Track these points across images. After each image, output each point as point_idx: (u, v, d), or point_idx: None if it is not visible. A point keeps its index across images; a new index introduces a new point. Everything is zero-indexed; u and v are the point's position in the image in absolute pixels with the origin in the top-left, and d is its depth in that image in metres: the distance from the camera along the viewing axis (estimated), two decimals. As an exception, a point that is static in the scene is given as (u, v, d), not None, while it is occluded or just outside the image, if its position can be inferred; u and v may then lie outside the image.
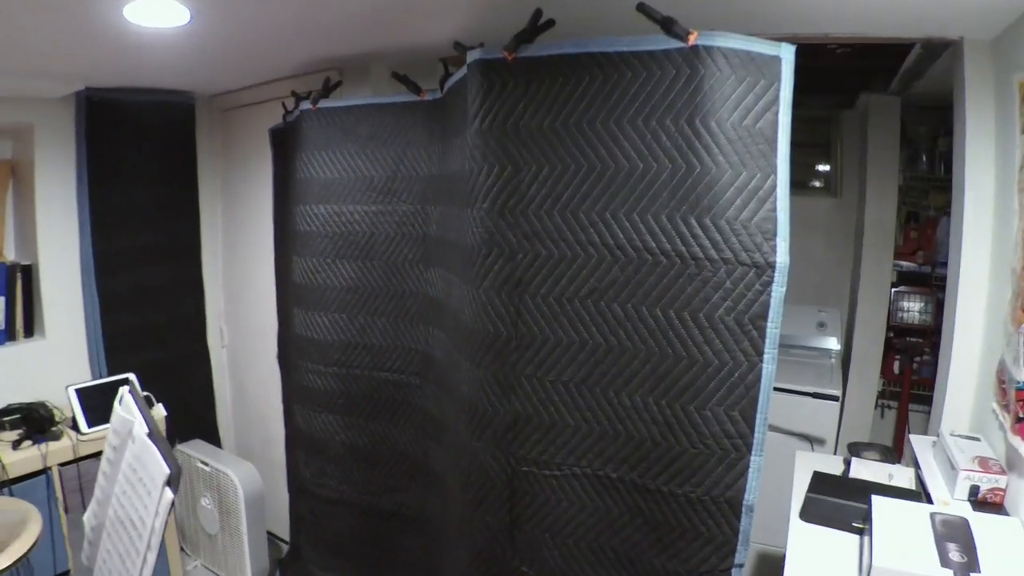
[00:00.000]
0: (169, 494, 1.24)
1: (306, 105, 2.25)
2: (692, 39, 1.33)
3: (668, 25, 1.35)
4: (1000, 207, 1.83)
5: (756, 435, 1.37)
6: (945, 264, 2.27)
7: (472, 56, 1.59)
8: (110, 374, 2.72)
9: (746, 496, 1.39)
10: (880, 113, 2.87)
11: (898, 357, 3.08)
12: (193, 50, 2.19)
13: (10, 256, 2.75)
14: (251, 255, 3.02)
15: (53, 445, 2.33)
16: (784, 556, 1.49)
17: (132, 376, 2.57)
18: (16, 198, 2.76)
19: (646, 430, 1.47)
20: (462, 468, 1.77)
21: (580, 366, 1.52)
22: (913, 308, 2.97)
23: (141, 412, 1.55)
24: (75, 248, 2.73)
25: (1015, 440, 1.51)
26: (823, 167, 3.38)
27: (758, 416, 1.36)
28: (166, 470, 1.27)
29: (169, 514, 1.28)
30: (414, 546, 2.28)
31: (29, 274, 2.71)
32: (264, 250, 2.77)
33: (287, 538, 2.85)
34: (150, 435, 1.43)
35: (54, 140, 2.67)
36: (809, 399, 2.54)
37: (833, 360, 2.95)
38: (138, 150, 2.87)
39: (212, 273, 3.25)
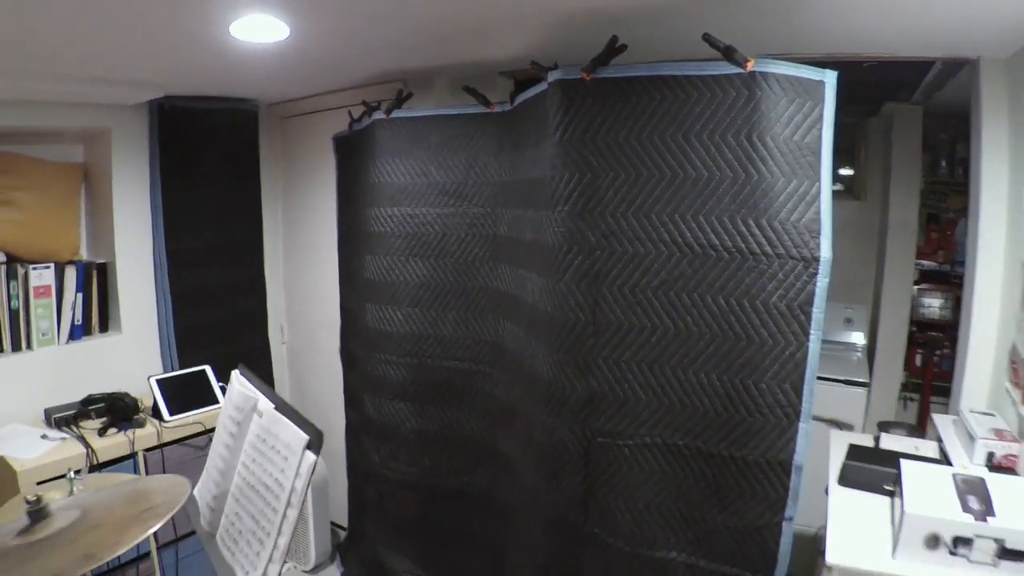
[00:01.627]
0: (311, 456, 1.56)
1: (379, 115, 2.58)
2: (749, 66, 1.67)
3: (729, 53, 1.68)
4: (1013, 208, 2.18)
5: (804, 404, 1.70)
6: (963, 262, 2.63)
7: (553, 76, 1.93)
8: (181, 367, 3.05)
9: (795, 457, 1.72)
10: (903, 121, 3.23)
11: (920, 350, 3.44)
12: (277, 62, 2.53)
13: (84, 255, 3.09)
14: (310, 255, 3.38)
15: (138, 432, 2.66)
16: (814, 535, 1.83)
17: (208, 368, 2.90)
18: (89, 200, 3.10)
19: (709, 403, 1.80)
20: (538, 444, 2.10)
21: (652, 348, 1.85)
22: (934, 304, 3.32)
23: (261, 390, 1.88)
24: (148, 248, 3.09)
25: (1026, 410, 1.86)
26: (846, 171, 3.73)
27: (805, 388, 1.69)
28: (304, 436, 1.59)
29: (311, 474, 1.60)
30: (478, 526, 2.60)
31: (104, 272, 3.05)
32: (323, 250, 3.12)
33: (344, 524, 3.19)
34: (278, 408, 1.75)
35: (129, 144, 3.02)
36: (839, 386, 2.89)
37: (860, 354, 3.30)
38: (205, 155, 3.23)
39: (273, 272, 3.61)
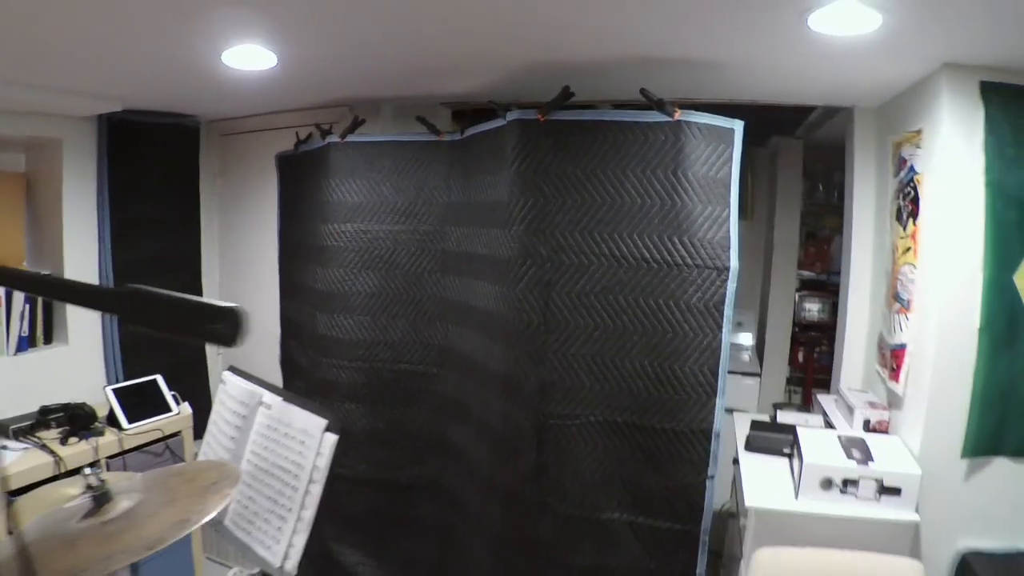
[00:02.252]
0: (332, 437, 1.90)
1: (333, 138, 2.92)
2: (677, 115, 2.15)
3: (661, 105, 2.16)
4: (878, 227, 2.80)
5: (720, 383, 2.17)
6: (838, 273, 3.25)
7: (512, 115, 2.35)
8: (127, 378, 3.26)
9: (714, 426, 2.19)
10: (787, 153, 3.86)
11: (802, 348, 4.08)
12: (253, 86, 2.82)
13: (25, 266, 3.25)
14: (247, 267, 3.65)
15: (101, 440, 2.87)
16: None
17: (159, 377, 3.13)
18: (31, 210, 3.26)
19: (643, 385, 2.25)
20: (494, 429, 2.50)
21: (594, 342, 2.29)
22: (813, 308, 3.96)
23: (262, 386, 2.20)
24: (95, 258, 3.28)
25: (892, 384, 2.44)
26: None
27: (720, 370, 2.17)
28: (323, 421, 1.93)
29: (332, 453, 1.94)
30: (427, 513, 2.97)
31: (48, 285, 3.22)
32: (259, 263, 3.41)
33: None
34: (287, 400, 2.08)
35: (79, 156, 3.25)
36: (736, 377, 3.45)
37: (750, 352, 3.88)
38: (150, 168, 3.49)
39: (210, 284, 3.87)
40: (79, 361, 3.29)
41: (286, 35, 2.18)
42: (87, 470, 2.15)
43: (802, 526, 2.20)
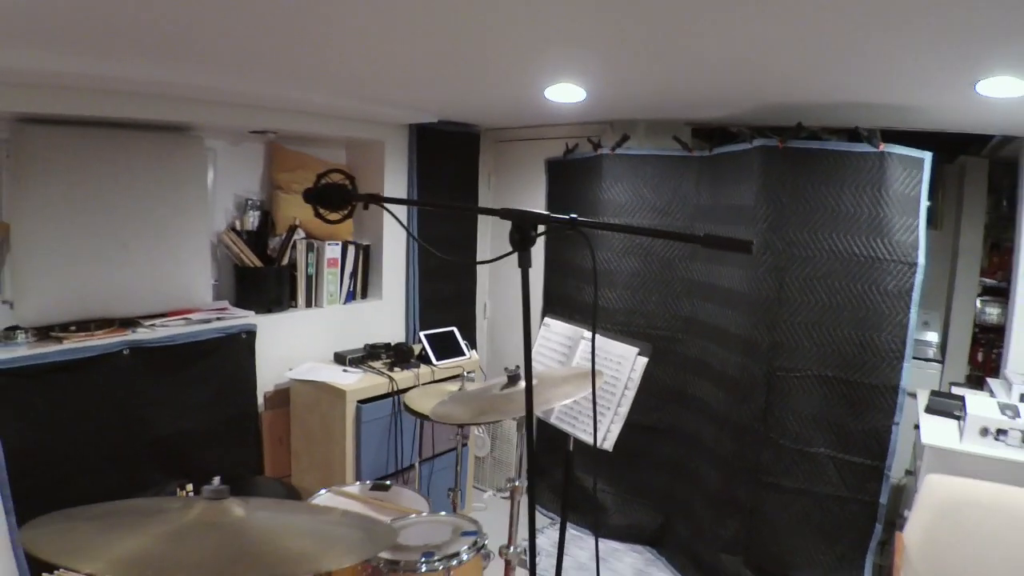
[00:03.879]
0: (643, 359, 3.24)
1: (605, 150, 4.32)
2: (881, 147, 3.37)
3: (870, 139, 3.40)
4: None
5: (907, 351, 3.36)
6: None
7: (757, 141, 3.62)
8: (421, 328, 4.80)
9: (901, 383, 3.42)
10: (973, 170, 4.99)
11: (981, 349, 5.20)
12: (543, 110, 4.27)
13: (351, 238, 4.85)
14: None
15: (419, 370, 4.38)
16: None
17: (455, 328, 4.65)
18: (353, 197, 4.87)
19: (849, 349, 3.46)
20: (731, 378, 3.81)
21: (814, 314, 3.51)
22: (993, 312, 5.08)
23: (579, 327, 3.60)
24: (403, 234, 4.83)
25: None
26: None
27: (907, 340, 3.37)
28: (635, 348, 3.28)
29: (643, 370, 3.30)
30: (663, 451, 4.30)
31: (367, 252, 4.81)
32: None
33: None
34: (603, 334, 3.46)
35: (395, 154, 4.77)
36: (922, 363, 4.65)
37: (934, 349, 5.05)
38: (444, 167, 4.99)
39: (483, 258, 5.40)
40: (387, 312, 4.85)
41: (597, 77, 3.50)
42: (465, 373, 3.65)
43: (964, 462, 3.26)
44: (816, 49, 2.56)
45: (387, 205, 2.19)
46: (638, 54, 2.80)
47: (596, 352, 3.27)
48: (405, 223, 4.79)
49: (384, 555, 2.52)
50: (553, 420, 3.44)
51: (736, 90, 3.43)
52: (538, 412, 3.06)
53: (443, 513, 3.05)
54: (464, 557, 2.58)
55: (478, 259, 5.41)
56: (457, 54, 2.92)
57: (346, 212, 2.19)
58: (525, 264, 1.69)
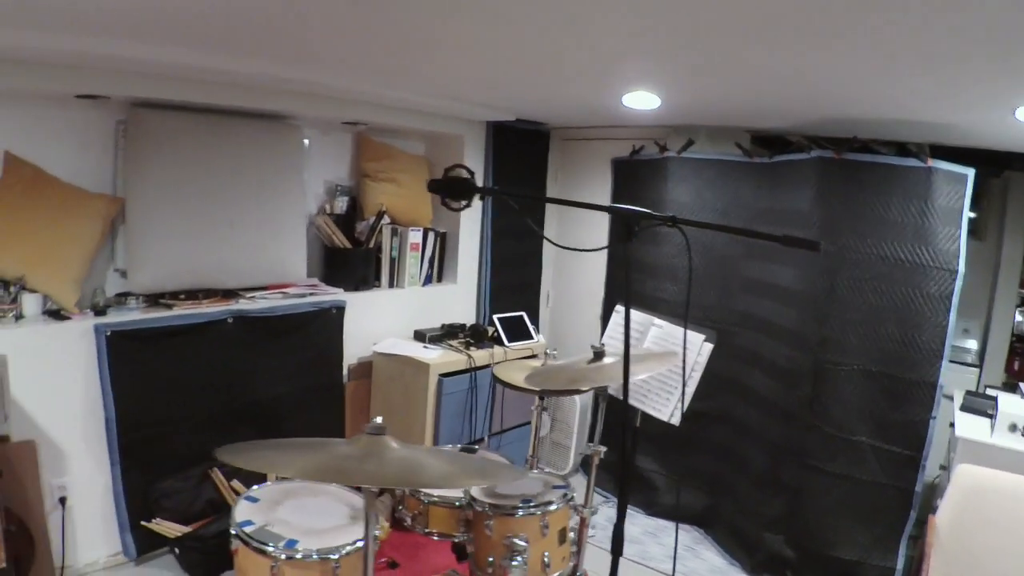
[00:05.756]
0: (709, 345, 3.66)
1: (671, 153, 4.75)
2: (928, 163, 3.75)
3: (919, 154, 3.78)
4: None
5: (945, 350, 3.73)
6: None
7: (815, 152, 4.01)
8: (491, 312, 5.26)
9: (939, 380, 3.80)
10: (1017, 184, 5.35)
11: (1018, 358, 5.57)
12: (619, 115, 4.71)
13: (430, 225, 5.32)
14: (575, 240, 5.57)
15: (493, 350, 4.84)
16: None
17: (524, 313, 5.11)
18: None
19: (892, 346, 3.84)
20: (781, 368, 4.22)
21: (861, 312, 3.88)
22: (1031, 323, 5.45)
23: (650, 315, 4.04)
24: (478, 224, 5.30)
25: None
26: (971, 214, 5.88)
27: (947, 340, 3.75)
28: (702, 335, 3.70)
29: (708, 355, 3.73)
30: (712, 435, 4.69)
31: (444, 239, 5.28)
32: (584, 236, 5.31)
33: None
34: (672, 322, 3.89)
35: (473, 148, 5.24)
36: (960, 367, 5.03)
37: (973, 355, 5.43)
38: (517, 161, 5.48)
39: (547, 251, 5.85)
40: (460, 296, 5.34)
41: (672, 87, 3.90)
42: (549, 350, 4.10)
43: (993, 455, 3.59)
44: (870, 77, 2.97)
45: (511, 200, 2.58)
46: (711, 68, 3.19)
47: (664, 338, 3.72)
48: (479, 214, 5.27)
49: (487, 499, 2.97)
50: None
51: (796, 104, 3.82)
52: (614, 386, 3.48)
53: (534, 470, 3.49)
54: (557, 505, 3.03)
55: (543, 249, 5.87)
56: (547, 63, 3.33)
57: (467, 202, 2.59)
58: (628, 254, 2.14)
